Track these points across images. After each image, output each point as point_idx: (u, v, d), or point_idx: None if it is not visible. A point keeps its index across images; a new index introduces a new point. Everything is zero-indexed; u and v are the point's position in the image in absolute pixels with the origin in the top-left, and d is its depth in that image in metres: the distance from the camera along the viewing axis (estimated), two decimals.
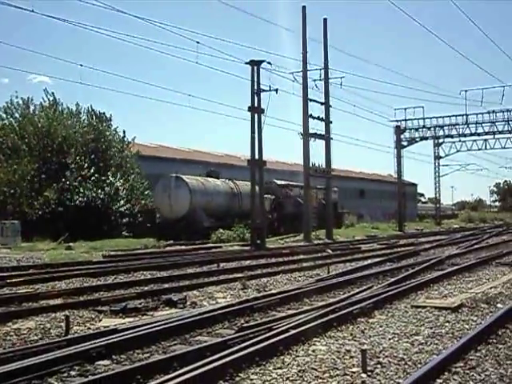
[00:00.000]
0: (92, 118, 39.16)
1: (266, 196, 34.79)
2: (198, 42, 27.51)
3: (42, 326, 8.90)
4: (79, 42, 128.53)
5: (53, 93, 38.28)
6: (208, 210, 32.69)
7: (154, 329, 7.99)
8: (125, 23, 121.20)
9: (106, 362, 6.76)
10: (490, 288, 12.75)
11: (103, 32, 28.88)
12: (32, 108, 38.38)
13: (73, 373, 6.33)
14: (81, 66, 27.28)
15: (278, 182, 42.24)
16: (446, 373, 6.16)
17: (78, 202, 33.58)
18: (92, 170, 35.93)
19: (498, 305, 10.54)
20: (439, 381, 5.92)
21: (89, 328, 8.89)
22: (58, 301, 11.41)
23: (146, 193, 38.23)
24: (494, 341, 7.64)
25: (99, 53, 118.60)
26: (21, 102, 38.04)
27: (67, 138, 36.61)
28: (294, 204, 41.20)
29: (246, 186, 34.56)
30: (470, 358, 6.79)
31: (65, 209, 33.28)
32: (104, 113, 39.87)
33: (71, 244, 26.29)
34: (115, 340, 7.29)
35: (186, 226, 30.82)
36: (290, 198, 42.32)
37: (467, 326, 8.68)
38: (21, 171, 33.96)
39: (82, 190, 34.13)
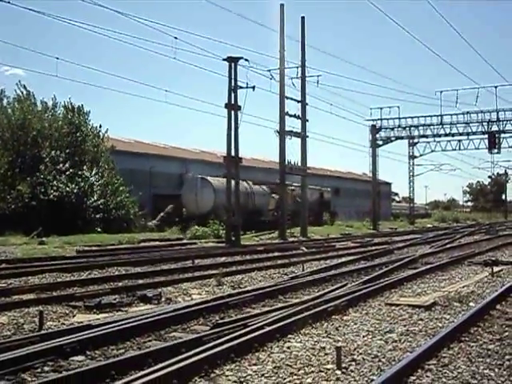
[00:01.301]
0: (68, 112, 38.73)
1: (272, 195, 41.87)
2: (175, 38, 27.45)
3: (14, 322, 8.82)
4: (55, 35, 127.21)
5: (24, 85, 37.83)
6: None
7: (128, 325, 7.95)
8: (101, 17, 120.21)
9: (81, 357, 6.71)
10: (463, 287, 12.90)
11: (79, 25, 28.64)
12: (5, 101, 37.89)
13: (46, 368, 6.28)
14: (57, 59, 27.07)
15: (294, 185, 44.25)
16: (420, 370, 6.22)
17: (52, 196, 33.25)
18: (67, 165, 35.57)
19: (471, 303, 10.67)
20: (413, 378, 5.97)
21: (63, 323, 8.83)
22: (31, 296, 11.31)
23: (121, 188, 37.97)
24: (467, 339, 7.73)
25: (75, 46, 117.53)
26: None
27: (42, 131, 36.20)
28: (295, 202, 43.56)
29: (260, 187, 41.47)
30: (443, 355, 6.87)
31: (38, 203, 32.94)
32: (82, 105, 39.51)
33: (44, 239, 26.05)
34: (89, 336, 7.25)
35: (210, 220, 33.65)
36: (293, 197, 44.58)
37: (440, 324, 8.78)
38: None
39: (56, 184, 33.80)
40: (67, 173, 35.06)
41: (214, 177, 38.13)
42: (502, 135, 53.85)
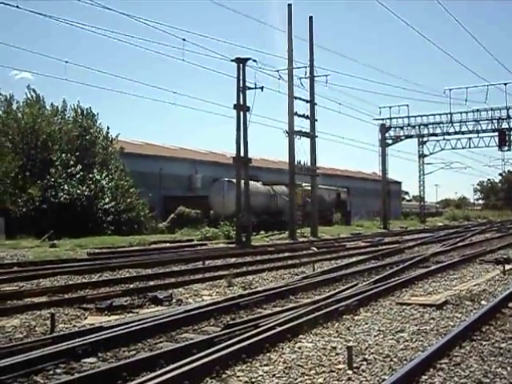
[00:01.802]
0: (78, 115, 38.90)
1: None
2: (183, 40, 27.47)
3: (26, 324, 8.86)
4: (64, 38, 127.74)
5: (34, 89, 38.01)
6: (252, 207, 36.02)
7: (139, 326, 7.97)
8: (110, 20, 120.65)
9: (92, 359, 6.73)
10: (474, 285, 12.86)
11: (88, 29, 28.72)
12: (15, 105, 38.09)
13: (58, 371, 6.30)
14: (66, 62, 27.18)
15: (304, 185, 45.18)
16: (431, 369, 6.20)
17: (62, 199, 33.39)
18: (77, 168, 35.71)
19: (482, 302, 10.64)
20: (424, 377, 5.95)
21: (74, 326, 8.86)
22: (43, 299, 11.36)
23: (131, 190, 38.09)
24: (479, 337, 7.70)
25: (84, 50, 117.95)
26: (3, 98, 37.72)
27: (52, 134, 36.37)
28: (317, 203, 43.94)
29: (280, 187, 43.19)
30: (455, 354, 6.84)
31: (49, 206, 33.09)
32: (90, 108, 39.70)
33: (56, 241, 26.15)
34: (101, 337, 7.27)
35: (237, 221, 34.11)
36: (304, 197, 45.96)
37: (452, 323, 8.75)
38: (4, 168, 33.67)
39: (66, 188, 33.94)
40: (77, 176, 35.20)
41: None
42: None
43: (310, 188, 46.06)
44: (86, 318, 9.52)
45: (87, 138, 38.20)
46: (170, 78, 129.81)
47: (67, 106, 39.22)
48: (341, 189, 57.53)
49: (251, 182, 37.89)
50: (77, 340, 7.06)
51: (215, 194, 40.40)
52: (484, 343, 7.42)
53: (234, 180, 36.54)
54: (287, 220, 36.23)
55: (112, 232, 33.25)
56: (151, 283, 13.61)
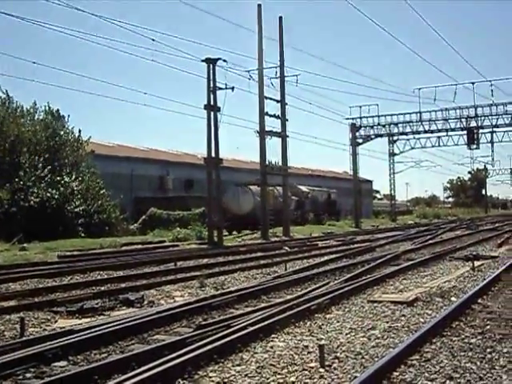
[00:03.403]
0: (47, 117, 38.44)
1: (292, 197, 47.35)
2: (153, 40, 27.38)
3: None
4: (32, 39, 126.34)
5: (6, 90, 37.47)
6: (258, 208, 39.80)
7: (111, 329, 7.92)
8: (79, 20, 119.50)
9: (63, 363, 6.68)
10: (444, 282, 12.99)
11: (56, 29, 28.44)
12: None
13: (28, 375, 6.24)
14: (34, 63, 26.93)
15: (301, 187, 53.05)
16: (403, 366, 6.26)
17: (32, 202, 32.99)
18: (46, 170, 35.30)
19: (452, 298, 10.76)
20: (396, 373, 6.00)
21: (44, 329, 8.76)
22: (12, 302, 11.19)
23: (102, 192, 37.78)
24: (449, 333, 7.79)
25: (52, 51, 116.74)
26: None
27: (20, 136, 35.90)
28: (312, 203, 53.99)
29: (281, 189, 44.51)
30: (426, 350, 6.91)
31: (19, 209, 32.65)
32: (58, 110, 39.26)
33: (25, 245, 25.80)
34: (71, 341, 7.21)
35: (250, 219, 39.67)
36: (308, 198, 53.62)
37: (422, 320, 8.83)
38: None
39: (36, 191, 33.54)
40: (47, 178, 34.79)
41: (252, 186, 43.92)
42: (481, 131, 54.28)
43: (307, 189, 54.40)
44: (56, 322, 9.42)
45: (56, 139, 37.77)
46: (140, 79, 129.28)
47: (37, 107, 38.77)
48: (331, 190, 61.51)
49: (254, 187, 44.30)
50: (47, 344, 6.99)
51: (231, 197, 42.95)
52: (454, 339, 7.50)
53: (249, 186, 43.82)
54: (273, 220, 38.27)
55: (83, 234, 32.94)
56: (123, 285, 13.53)
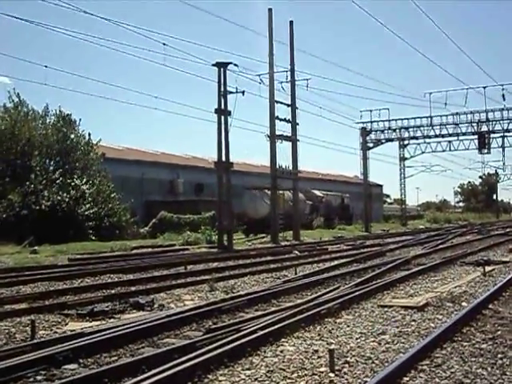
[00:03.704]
0: (59, 121, 38.61)
1: (307, 202, 50.83)
2: (164, 44, 27.47)
3: (6, 331, 8.77)
4: (44, 43, 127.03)
5: (18, 94, 37.65)
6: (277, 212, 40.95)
7: (121, 332, 7.94)
8: (90, 24, 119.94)
9: (73, 365, 6.69)
10: (455, 287, 12.94)
11: (68, 33, 28.59)
12: None
13: (39, 377, 6.25)
14: (46, 67, 27.02)
15: (315, 192, 55.38)
16: (413, 371, 6.24)
17: (43, 205, 33.14)
18: (57, 173, 35.47)
19: (463, 303, 10.71)
20: (406, 379, 5.98)
21: (55, 332, 8.80)
22: (23, 305, 11.25)
23: (112, 196, 37.92)
24: (459, 339, 7.75)
25: (64, 54, 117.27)
26: None
27: (32, 140, 36.10)
28: (326, 207, 55.86)
29: (300, 195, 45.93)
30: (436, 355, 6.88)
31: (30, 212, 32.82)
32: (70, 114, 39.42)
33: (36, 248, 25.95)
34: (82, 344, 7.22)
35: (267, 222, 38.41)
36: (322, 203, 55.43)
37: (433, 325, 8.80)
38: None
39: (47, 194, 33.69)
40: (58, 181, 34.95)
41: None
42: (492, 135, 53.98)
43: (321, 194, 56.56)
44: (66, 324, 9.45)
45: (68, 143, 37.94)
46: (151, 83, 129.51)
47: (49, 111, 38.93)
48: (344, 194, 62.97)
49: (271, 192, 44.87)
50: (57, 346, 7.01)
51: (249, 201, 44.60)
52: (465, 344, 7.47)
53: (266, 191, 43.40)
54: (303, 222, 41.38)
55: (93, 238, 33.06)
56: (133, 288, 13.56)
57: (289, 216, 38.72)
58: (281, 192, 40.90)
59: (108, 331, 7.95)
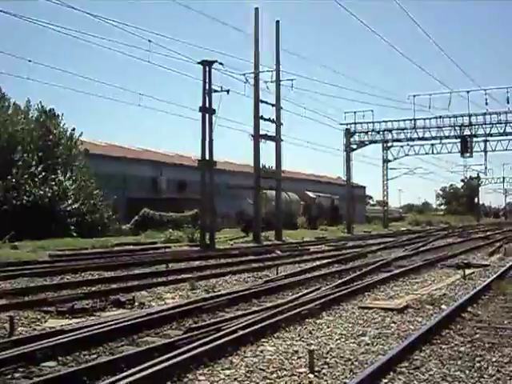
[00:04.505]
0: (42, 115, 38.31)
1: (301, 202, 55.42)
2: (149, 41, 27.38)
3: None
4: (28, 37, 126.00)
5: (0, 88, 37.31)
6: (274, 212, 42.88)
7: (101, 329, 7.91)
8: (75, 20, 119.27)
9: (52, 363, 6.66)
10: (435, 289, 13.02)
11: (53, 28, 28.27)
12: None
13: (17, 375, 6.22)
14: (29, 61, 26.83)
15: (308, 193, 59.99)
16: (392, 373, 6.28)
17: (24, 200, 32.88)
18: (40, 168, 35.20)
19: (443, 306, 10.78)
20: (385, 380, 6.02)
21: (34, 329, 8.74)
22: (2, 301, 11.12)
23: (95, 192, 37.72)
24: (438, 341, 7.81)
25: (48, 49, 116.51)
26: None
27: (13, 134, 35.78)
28: (317, 208, 59.63)
29: (294, 195, 54.20)
30: (415, 358, 6.93)
31: (11, 207, 32.55)
32: (53, 109, 39.12)
33: (17, 243, 25.74)
34: (61, 341, 7.19)
35: (264, 222, 39.67)
36: (314, 204, 59.49)
37: (412, 327, 8.85)
38: None
39: (28, 188, 33.44)
40: (40, 176, 34.69)
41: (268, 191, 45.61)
42: (474, 139, 54.38)
43: (313, 195, 60.30)
44: (46, 321, 9.39)
45: (50, 138, 37.64)
46: (135, 80, 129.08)
47: (31, 105, 38.63)
48: (334, 196, 65.47)
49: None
50: (36, 343, 6.97)
51: (248, 202, 44.32)
52: (443, 347, 7.52)
53: (264, 191, 45.18)
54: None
55: (75, 234, 32.85)
56: (114, 286, 13.52)
57: (289, 216, 41.65)
58: (268, 192, 41.55)
59: (88, 329, 7.92)
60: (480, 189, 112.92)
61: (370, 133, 56.54)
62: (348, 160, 54.47)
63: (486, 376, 6.26)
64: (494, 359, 6.93)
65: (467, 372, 6.39)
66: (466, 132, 53.38)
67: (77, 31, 44.75)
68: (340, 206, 64.56)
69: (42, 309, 10.25)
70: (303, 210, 56.10)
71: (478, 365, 6.68)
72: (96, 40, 30.91)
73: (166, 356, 6.35)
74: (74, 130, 39.44)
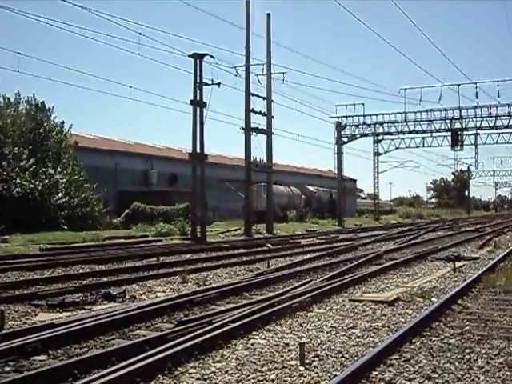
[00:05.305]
0: (32, 108, 38.13)
1: (302, 196, 58.62)
2: (140, 34, 27.30)
3: None
4: (17, 30, 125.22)
5: None
6: (279, 205, 49.21)
7: (92, 323, 7.91)
8: (64, 12, 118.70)
9: (42, 357, 6.65)
10: (425, 282, 13.08)
11: (42, 20, 28.18)
12: None
13: (7, 368, 6.19)
14: (19, 54, 26.69)
15: (308, 187, 62.86)
16: (382, 365, 6.30)
17: (15, 193, 32.75)
18: (30, 161, 35.04)
19: (433, 298, 10.83)
20: (375, 373, 6.04)
21: (24, 323, 8.72)
22: None
23: (86, 185, 37.60)
24: (428, 333, 7.85)
25: (38, 42, 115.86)
26: None
27: (4, 127, 35.61)
28: (317, 201, 62.78)
29: (296, 189, 58.00)
30: (405, 350, 6.96)
31: (1, 200, 32.40)
32: (43, 102, 38.95)
33: (7, 237, 25.64)
34: (52, 335, 7.18)
35: (266, 214, 41.01)
36: (314, 197, 62.54)
37: (403, 320, 8.89)
38: None
39: (19, 181, 33.30)
40: (30, 169, 34.55)
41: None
42: (465, 132, 54.62)
43: (313, 189, 63.16)
44: (36, 315, 9.38)
45: (41, 131, 37.49)
46: (125, 72, 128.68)
47: (21, 98, 38.44)
48: (333, 190, 64.79)
49: (278, 186, 50.66)
50: (27, 337, 6.96)
51: (254, 194, 44.97)
52: (434, 339, 7.56)
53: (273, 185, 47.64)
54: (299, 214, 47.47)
55: (65, 227, 32.76)
56: (104, 279, 13.51)
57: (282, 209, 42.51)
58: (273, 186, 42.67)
59: (78, 322, 7.91)
60: (470, 182, 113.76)
61: (361, 126, 56.65)
62: (339, 153, 54.58)
63: (475, 368, 6.29)
64: (483, 351, 6.97)
65: (457, 364, 6.43)
66: (457, 125, 53.59)
67: (67, 24, 44.54)
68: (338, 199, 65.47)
69: (32, 302, 10.24)
70: (304, 204, 58.79)
71: (467, 357, 6.72)
72: (86, 32, 30.78)
73: (157, 349, 6.35)
74: (63, 123, 39.31)
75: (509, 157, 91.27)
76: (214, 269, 15.71)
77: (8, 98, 38.12)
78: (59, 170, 36.36)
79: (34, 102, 38.36)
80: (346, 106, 55.09)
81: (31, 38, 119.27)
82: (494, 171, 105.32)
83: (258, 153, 37.62)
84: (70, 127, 39.67)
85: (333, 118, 55.57)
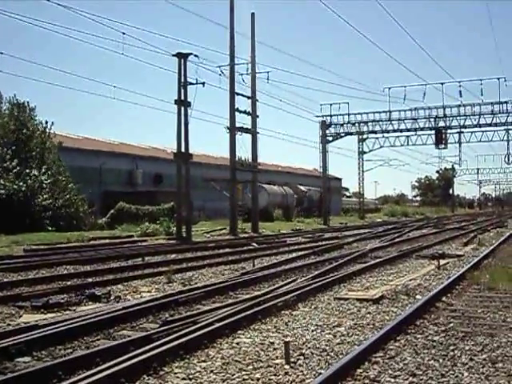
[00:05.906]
0: (14, 108, 37.83)
1: (295, 196, 60.50)
2: (123, 33, 27.20)
3: None
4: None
5: None
6: (273, 204, 52.45)
7: (76, 324, 7.88)
8: (47, 11, 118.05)
9: (26, 358, 6.61)
10: (410, 280, 13.15)
11: (25, 20, 27.99)
12: None
13: None
14: (1, 53, 26.49)
15: (300, 187, 65.12)
16: (367, 363, 6.33)
17: None
18: (14, 162, 34.79)
19: (417, 296, 10.89)
20: (360, 370, 6.07)
21: (8, 324, 8.67)
22: None
23: (70, 186, 37.39)
24: (413, 331, 7.89)
25: (20, 41, 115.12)
26: None
27: None
28: (308, 201, 64.82)
29: (289, 189, 60.44)
30: (390, 347, 7.00)
31: None
32: (27, 102, 38.66)
33: None
34: (36, 336, 7.14)
35: (264, 213, 44.44)
36: (306, 197, 64.60)
37: (387, 317, 8.93)
38: None
39: (3, 182, 33.07)
40: (14, 171, 34.31)
41: (267, 185, 52.49)
42: (449, 131, 54.82)
43: (305, 189, 64.87)
44: (21, 317, 9.33)
45: (24, 131, 37.22)
46: (109, 72, 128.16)
47: (3, 98, 38.13)
48: (321, 189, 66.23)
49: (272, 186, 54.95)
50: (11, 339, 6.92)
51: (249, 195, 45.00)
52: (418, 336, 7.60)
53: (264, 185, 50.11)
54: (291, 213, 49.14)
55: (50, 228, 32.58)
56: (89, 280, 13.45)
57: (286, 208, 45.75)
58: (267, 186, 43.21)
59: (63, 323, 7.88)
60: (455, 180, 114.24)
61: (345, 125, 56.68)
62: (324, 152, 54.64)
63: (459, 364, 6.34)
64: (467, 348, 7.02)
65: (441, 361, 6.48)
66: (441, 124, 53.77)
67: (50, 23, 44.27)
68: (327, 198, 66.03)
69: (16, 304, 10.18)
70: (296, 203, 60.77)
71: (451, 353, 6.76)
72: (69, 32, 30.64)
73: (142, 349, 6.34)
74: (46, 123, 38.98)
75: (492, 155, 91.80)
76: (200, 268, 15.70)
77: None
78: (43, 170, 36.11)
79: (16, 102, 38.03)
80: (330, 104, 55.10)
81: (14, 37, 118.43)
82: (477, 169, 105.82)
83: (243, 152, 37.64)
84: (51, 125, 39.15)
85: (317, 116, 55.63)
